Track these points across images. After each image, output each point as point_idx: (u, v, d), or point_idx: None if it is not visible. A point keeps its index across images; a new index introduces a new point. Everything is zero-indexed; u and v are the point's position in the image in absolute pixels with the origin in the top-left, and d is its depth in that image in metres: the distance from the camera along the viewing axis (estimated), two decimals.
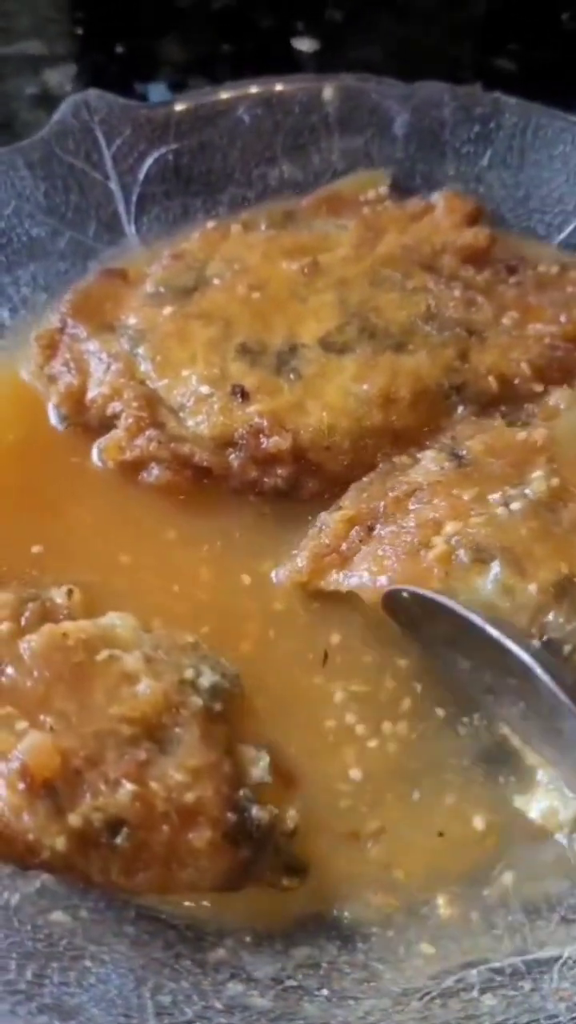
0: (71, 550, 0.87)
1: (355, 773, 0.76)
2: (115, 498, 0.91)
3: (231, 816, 0.68)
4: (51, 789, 0.64)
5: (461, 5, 1.55)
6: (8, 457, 0.92)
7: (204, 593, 0.86)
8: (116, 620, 0.78)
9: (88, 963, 0.62)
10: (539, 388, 0.93)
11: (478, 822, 0.74)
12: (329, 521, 0.85)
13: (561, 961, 0.66)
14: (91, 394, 0.93)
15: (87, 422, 0.93)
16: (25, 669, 0.70)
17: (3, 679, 0.70)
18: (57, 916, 0.65)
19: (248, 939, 0.68)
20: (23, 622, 0.75)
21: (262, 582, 0.86)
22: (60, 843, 0.63)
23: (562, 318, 0.97)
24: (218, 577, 0.86)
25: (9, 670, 0.70)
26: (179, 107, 1.07)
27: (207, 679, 0.76)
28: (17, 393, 0.96)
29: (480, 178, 1.09)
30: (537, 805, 0.75)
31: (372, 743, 0.78)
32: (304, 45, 1.45)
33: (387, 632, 0.80)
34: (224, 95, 1.08)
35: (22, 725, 0.67)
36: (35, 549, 0.86)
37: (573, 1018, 0.61)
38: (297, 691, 0.80)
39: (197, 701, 0.73)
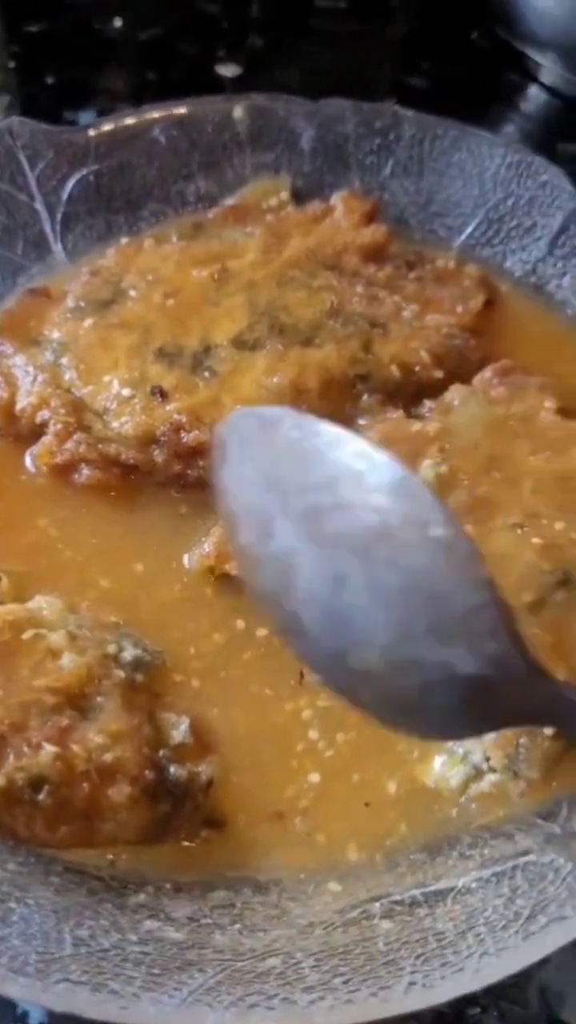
0: (4, 545, 0.92)
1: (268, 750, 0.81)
2: (47, 499, 0.96)
3: (149, 774, 0.73)
4: None
5: (379, 29, 1.64)
6: None
7: (129, 582, 0.91)
8: (43, 603, 0.83)
9: (12, 904, 0.67)
10: (439, 375, 0.99)
11: (391, 787, 0.80)
12: None
13: (455, 890, 0.72)
14: (20, 405, 0.97)
15: (18, 432, 0.98)
16: None
17: None
18: None
19: (168, 886, 0.73)
20: None
21: (180, 568, 0.91)
22: None
23: (459, 309, 1.04)
24: (143, 567, 0.92)
25: None
26: (97, 130, 1.13)
27: (129, 653, 0.82)
28: None
29: (384, 186, 1.16)
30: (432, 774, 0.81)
31: (288, 705, 0.83)
32: (227, 71, 1.52)
33: None
34: (139, 118, 1.14)
35: None
36: None
37: (459, 933, 0.66)
38: (214, 674, 0.85)
39: (119, 673, 0.79)
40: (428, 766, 0.81)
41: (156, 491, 0.96)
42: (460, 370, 1.01)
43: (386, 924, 0.69)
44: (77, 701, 0.75)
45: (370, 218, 1.11)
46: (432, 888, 0.73)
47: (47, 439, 0.95)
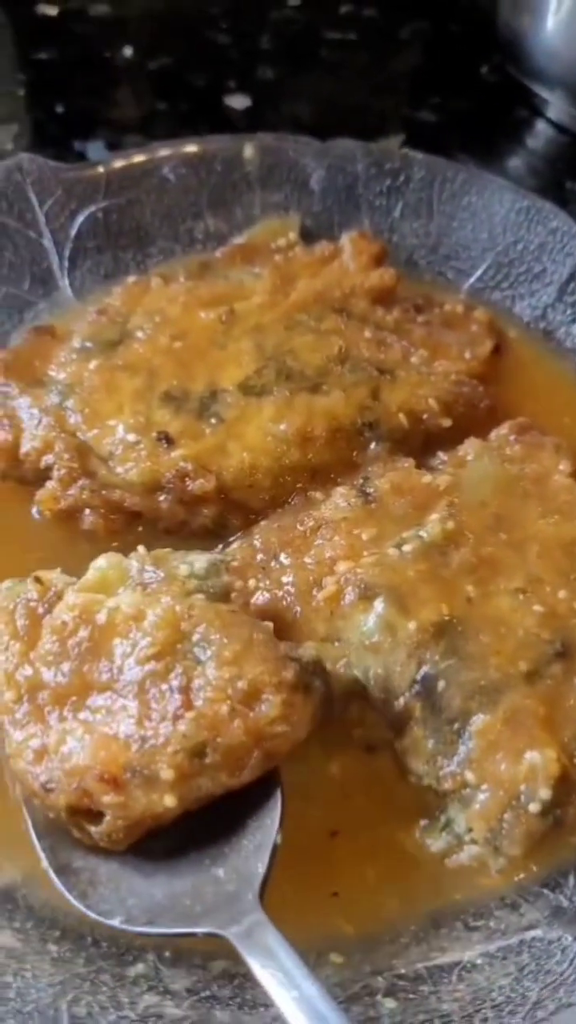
0: None
1: None
2: (52, 544, 0.94)
3: (287, 673, 0.71)
4: (132, 771, 0.69)
5: (388, 62, 1.63)
6: None
7: None
8: (101, 563, 0.81)
9: (9, 978, 0.65)
10: (447, 423, 0.98)
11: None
12: (236, 547, 0.90)
13: (461, 965, 0.71)
14: (24, 448, 0.96)
15: (23, 476, 0.97)
16: (54, 676, 0.74)
17: (44, 696, 0.73)
18: None
19: (168, 954, 0.72)
20: (21, 632, 0.77)
21: None
22: (170, 800, 0.68)
23: (467, 355, 1.03)
24: None
25: (43, 685, 0.74)
26: (107, 168, 1.13)
27: (200, 562, 0.81)
28: None
29: (393, 228, 1.16)
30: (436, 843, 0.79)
31: None
32: (237, 102, 1.52)
33: None
34: (149, 155, 1.14)
35: (78, 734, 0.71)
36: None
37: (464, 1016, 0.65)
38: None
39: (199, 596, 0.77)
40: (409, 832, 0.79)
41: (160, 538, 0.95)
42: (468, 418, 1.00)
43: (390, 1003, 0.68)
44: (180, 648, 0.73)
45: (379, 260, 1.10)
46: (436, 962, 0.71)
47: (51, 484, 0.94)
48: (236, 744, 0.69)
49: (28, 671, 0.75)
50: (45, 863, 0.72)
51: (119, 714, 0.71)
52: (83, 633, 0.75)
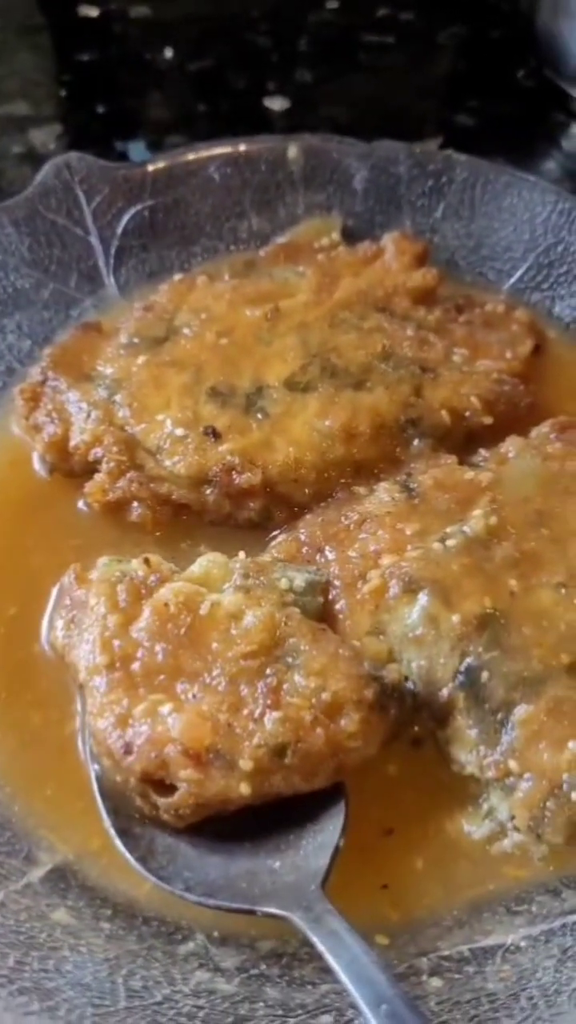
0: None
1: None
2: (97, 535, 0.96)
3: (368, 692, 0.75)
4: (215, 752, 0.72)
5: (425, 65, 1.65)
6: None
7: None
8: (205, 563, 0.85)
9: (66, 953, 0.67)
10: (488, 421, 1.00)
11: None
12: (282, 540, 0.92)
13: (504, 947, 0.72)
14: (73, 441, 0.98)
15: (71, 468, 0.99)
16: (148, 651, 0.77)
17: (136, 667, 0.77)
18: (38, 913, 0.71)
19: (216, 934, 0.74)
20: (122, 606, 0.80)
21: None
22: (245, 788, 0.71)
23: (508, 354, 1.04)
24: None
25: (136, 658, 0.77)
26: (153, 167, 1.15)
27: (300, 579, 0.84)
28: (7, 444, 1.02)
29: (435, 229, 1.17)
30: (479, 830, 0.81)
31: None
32: (276, 104, 1.54)
33: None
34: (195, 155, 1.16)
35: (166, 708, 0.74)
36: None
37: (511, 995, 0.66)
38: None
39: (295, 609, 0.81)
40: (454, 820, 0.81)
41: (203, 529, 0.97)
42: (509, 416, 1.01)
43: (436, 982, 0.69)
44: (273, 652, 0.77)
45: (420, 261, 1.11)
46: (480, 944, 0.73)
47: (99, 477, 0.96)
48: (315, 751, 0.73)
49: (123, 642, 0.78)
50: (107, 823, 0.75)
51: (208, 699, 0.74)
52: (184, 619, 0.78)
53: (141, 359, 1.02)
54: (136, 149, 1.45)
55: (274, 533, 0.95)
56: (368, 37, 1.66)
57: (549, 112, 1.54)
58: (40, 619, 0.90)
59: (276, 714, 0.73)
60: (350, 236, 1.17)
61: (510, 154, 1.45)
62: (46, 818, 0.80)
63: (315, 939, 0.66)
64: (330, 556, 0.88)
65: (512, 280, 1.16)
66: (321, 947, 0.65)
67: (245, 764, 0.71)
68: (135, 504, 0.95)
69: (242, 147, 1.17)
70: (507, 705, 0.79)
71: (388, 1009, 0.60)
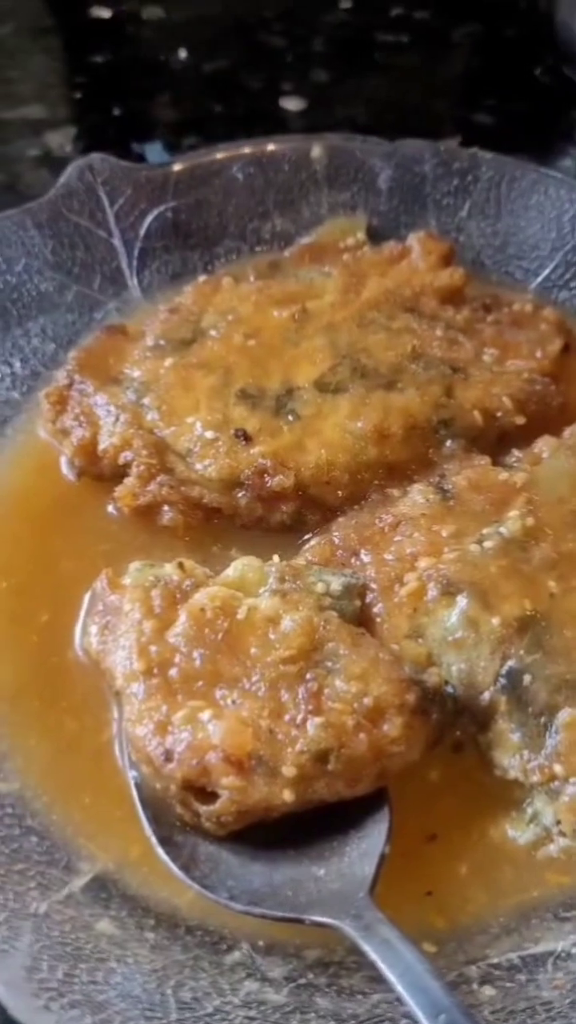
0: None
1: None
2: (128, 539, 0.95)
3: (410, 697, 0.74)
4: (257, 759, 0.71)
5: (441, 64, 1.64)
6: (27, 507, 0.98)
7: None
8: (240, 567, 0.84)
9: (113, 964, 0.66)
10: (521, 421, 0.99)
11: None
12: (316, 543, 0.91)
13: (555, 955, 0.71)
14: (103, 445, 0.97)
15: (100, 472, 0.98)
16: (185, 657, 0.76)
17: (173, 673, 0.76)
18: (82, 923, 0.70)
19: (261, 943, 0.73)
20: (157, 611, 0.79)
21: None
22: (288, 795, 0.70)
23: (538, 354, 1.03)
24: None
25: (173, 664, 0.76)
26: (176, 168, 1.14)
27: (336, 583, 0.83)
28: (34, 448, 1.02)
29: (460, 228, 1.17)
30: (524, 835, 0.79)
31: None
32: (292, 104, 1.53)
33: None
34: (218, 155, 1.15)
35: (206, 715, 0.73)
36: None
37: (570, 1002, 0.65)
38: None
39: (332, 613, 0.80)
40: (498, 826, 0.80)
41: (232, 533, 0.96)
42: (541, 416, 1.00)
43: (488, 991, 0.68)
44: (312, 657, 0.76)
45: (447, 260, 1.11)
46: (530, 952, 0.72)
47: (129, 481, 0.95)
48: (358, 757, 0.72)
49: (160, 648, 0.77)
50: (148, 831, 0.74)
51: (248, 705, 0.73)
52: (221, 624, 0.77)
53: (168, 361, 1.01)
54: (153, 151, 1.44)
55: (306, 537, 0.94)
56: (383, 36, 1.66)
57: (567, 109, 1.54)
58: (73, 625, 0.89)
59: (318, 719, 0.72)
60: (375, 236, 1.16)
61: (528, 151, 1.44)
62: (85, 827, 0.79)
63: (367, 948, 0.65)
64: (365, 559, 0.87)
65: (539, 279, 1.15)
66: (374, 956, 0.64)
67: (288, 770, 0.71)
68: (166, 508, 0.94)
69: (265, 147, 1.16)
70: (550, 708, 0.78)
71: (447, 1019, 0.59)
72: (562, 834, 0.77)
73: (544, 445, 0.95)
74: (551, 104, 1.54)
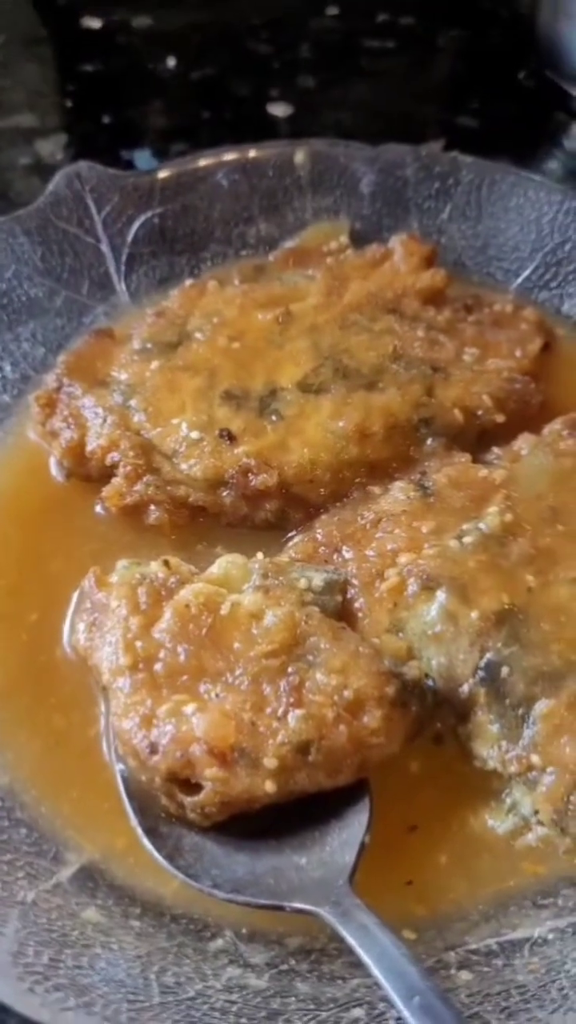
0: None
1: None
2: (115, 539, 0.97)
3: (389, 689, 0.76)
4: (240, 751, 0.72)
5: (426, 69, 1.66)
6: (17, 508, 0.99)
7: None
8: (224, 564, 0.86)
9: (98, 950, 0.68)
10: (501, 419, 1.01)
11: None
12: (299, 540, 0.92)
13: (532, 940, 0.73)
14: (90, 446, 0.99)
15: (88, 473, 1.00)
16: (170, 652, 0.78)
17: (158, 668, 0.78)
18: (69, 911, 0.72)
19: (244, 931, 0.74)
20: (143, 608, 0.81)
21: None
22: (270, 786, 0.72)
23: (518, 353, 1.05)
24: None
25: (158, 659, 0.78)
26: (162, 174, 1.16)
27: (319, 578, 0.85)
28: (23, 450, 1.03)
29: (442, 230, 1.18)
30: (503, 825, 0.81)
31: None
32: (279, 110, 1.55)
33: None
34: (203, 162, 1.17)
35: (190, 708, 0.74)
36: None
37: (541, 986, 0.67)
38: None
39: (315, 609, 0.82)
40: (477, 816, 0.81)
41: (218, 531, 0.97)
42: (521, 414, 1.02)
43: (465, 975, 0.70)
44: (294, 651, 0.78)
45: (428, 262, 1.12)
46: (507, 938, 0.73)
47: (117, 481, 0.96)
48: (338, 748, 0.73)
49: (145, 644, 0.78)
50: (134, 822, 0.75)
51: (231, 698, 0.75)
52: (205, 620, 0.79)
53: (155, 364, 1.03)
54: (142, 157, 1.46)
55: (290, 534, 0.96)
56: (369, 42, 1.68)
57: (551, 112, 1.56)
58: (61, 623, 0.91)
59: (299, 712, 0.74)
60: (358, 239, 1.18)
61: (513, 154, 1.46)
62: (72, 819, 0.80)
63: (345, 933, 0.66)
64: (347, 555, 0.89)
65: (520, 279, 1.17)
66: (351, 941, 0.66)
67: (269, 762, 0.72)
68: (152, 507, 0.96)
69: (249, 153, 1.18)
70: (528, 700, 0.79)
71: (420, 1001, 0.61)
72: (540, 823, 0.78)
73: (523, 442, 0.96)
74: (535, 107, 1.56)
